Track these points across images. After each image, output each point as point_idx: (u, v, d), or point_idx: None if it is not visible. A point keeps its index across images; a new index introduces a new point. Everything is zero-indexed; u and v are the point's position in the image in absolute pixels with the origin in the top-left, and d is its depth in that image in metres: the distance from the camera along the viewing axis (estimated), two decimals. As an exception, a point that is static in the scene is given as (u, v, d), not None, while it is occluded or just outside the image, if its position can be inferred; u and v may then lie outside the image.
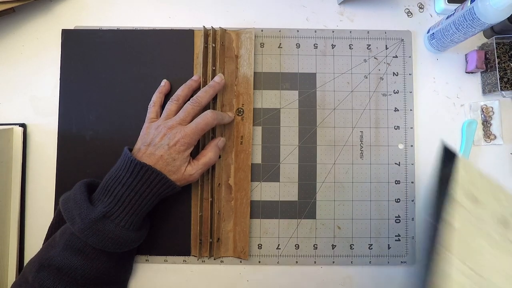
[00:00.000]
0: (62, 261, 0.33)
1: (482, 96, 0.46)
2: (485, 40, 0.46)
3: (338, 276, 0.43)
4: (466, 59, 0.46)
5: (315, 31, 0.45)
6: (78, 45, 0.44)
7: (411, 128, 0.44)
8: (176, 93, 0.41)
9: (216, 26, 0.43)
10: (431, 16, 0.47)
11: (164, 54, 0.44)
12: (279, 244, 0.43)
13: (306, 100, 0.45)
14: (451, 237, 0.26)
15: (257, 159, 0.44)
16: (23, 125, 0.43)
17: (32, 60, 0.45)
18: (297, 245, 0.43)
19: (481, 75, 0.46)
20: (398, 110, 0.45)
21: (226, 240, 0.42)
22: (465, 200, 0.28)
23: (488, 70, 0.44)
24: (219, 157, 0.42)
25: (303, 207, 0.43)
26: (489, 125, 0.45)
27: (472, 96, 0.46)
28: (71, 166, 0.43)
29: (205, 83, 0.42)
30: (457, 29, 0.39)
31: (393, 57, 0.45)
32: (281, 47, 0.45)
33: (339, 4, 0.46)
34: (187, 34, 0.44)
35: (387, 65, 0.45)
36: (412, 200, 0.44)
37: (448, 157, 0.31)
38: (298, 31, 0.45)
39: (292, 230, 0.43)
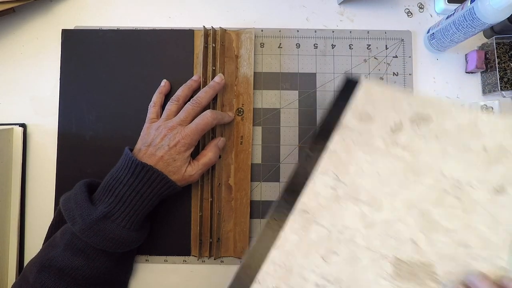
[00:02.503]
0: (63, 261, 0.33)
1: (482, 96, 0.46)
2: (485, 40, 0.46)
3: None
4: (466, 59, 0.46)
5: (315, 31, 0.45)
6: (78, 45, 0.44)
7: (411, 128, 0.45)
8: (176, 93, 0.41)
9: (216, 26, 0.43)
10: (431, 16, 0.47)
11: (164, 54, 0.44)
12: (279, 244, 0.43)
13: (306, 100, 0.45)
14: (323, 158, 0.31)
15: (257, 159, 0.44)
16: (23, 125, 0.43)
17: (32, 60, 0.45)
18: (297, 245, 0.43)
19: (481, 75, 0.46)
20: (398, 110, 0.45)
21: (226, 240, 0.42)
22: (353, 120, 0.32)
23: (488, 70, 0.44)
24: (219, 157, 0.42)
25: (303, 207, 0.43)
26: (489, 125, 0.45)
27: (472, 96, 0.46)
28: (71, 166, 0.43)
29: (205, 83, 0.42)
30: (457, 29, 0.39)
31: (393, 57, 0.45)
32: (281, 47, 0.45)
33: (339, 4, 0.46)
34: (187, 34, 0.44)
35: (387, 65, 0.45)
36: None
37: (349, 87, 0.34)
38: (298, 31, 0.45)
39: (292, 230, 0.43)
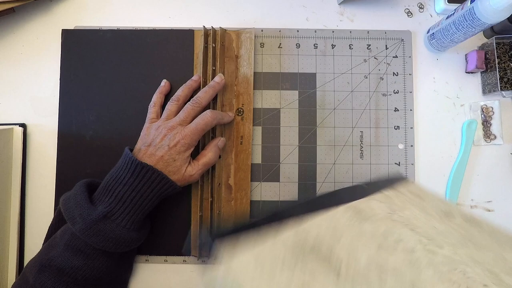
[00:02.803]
0: (63, 261, 0.33)
1: (482, 96, 0.46)
2: (485, 40, 0.46)
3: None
4: (466, 59, 0.46)
5: (315, 31, 0.45)
6: (78, 45, 0.44)
7: (411, 128, 0.45)
8: (176, 93, 0.41)
9: (216, 26, 0.43)
10: (431, 16, 0.47)
11: (164, 54, 0.44)
12: (279, 244, 0.43)
13: (306, 100, 0.45)
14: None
15: (257, 159, 0.44)
16: (23, 125, 0.43)
17: (32, 60, 0.45)
18: (297, 245, 0.43)
19: (481, 75, 0.46)
20: (398, 110, 0.45)
21: (226, 240, 0.42)
22: (409, 193, 0.31)
23: (488, 70, 0.44)
24: (219, 157, 0.42)
25: (303, 207, 0.43)
26: (489, 125, 0.45)
27: (472, 96, 0.46)
28: (71, 166, 0.43)
29: (205, 83, 0.42)
30: (457, 29, 0.39)
31: (393, 57, 0.45)
32: (281, 47, 0.45)
33: (339, 4, 0.46)
34: (187, 34, 0.44)
35: (387, 65, 0.45)
36: (412, 200, 0.44)
37: (398, 180, 0.33)
38: (298, 31, 0.45)
39: (292, 230, 0.43)
